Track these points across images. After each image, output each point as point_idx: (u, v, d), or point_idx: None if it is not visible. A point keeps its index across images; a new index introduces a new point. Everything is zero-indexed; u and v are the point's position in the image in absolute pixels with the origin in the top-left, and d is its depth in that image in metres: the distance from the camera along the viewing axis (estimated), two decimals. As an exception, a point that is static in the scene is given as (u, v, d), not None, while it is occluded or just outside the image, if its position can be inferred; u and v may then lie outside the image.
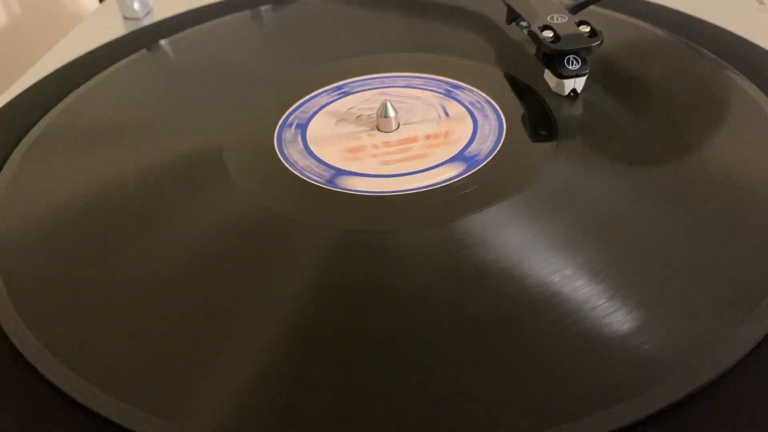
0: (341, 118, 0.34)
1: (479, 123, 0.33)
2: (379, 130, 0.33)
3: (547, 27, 0.33)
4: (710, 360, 0.21)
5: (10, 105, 0.39)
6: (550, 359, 0.22)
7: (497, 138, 0.32)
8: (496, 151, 0.31)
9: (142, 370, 0.22)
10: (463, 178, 0.29)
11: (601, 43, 0.33)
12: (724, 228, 0.26)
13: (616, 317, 0.23)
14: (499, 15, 0.40)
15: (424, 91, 0.36)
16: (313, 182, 0.30)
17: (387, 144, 0.32)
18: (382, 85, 0.37)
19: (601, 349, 0.22)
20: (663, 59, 0.37)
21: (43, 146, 0.34)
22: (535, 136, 0.32)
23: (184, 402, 0.21)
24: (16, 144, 0.34)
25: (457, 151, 0.31)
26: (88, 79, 0.40)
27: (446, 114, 0.34)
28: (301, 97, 0.36)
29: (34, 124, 0.36)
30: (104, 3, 0.53)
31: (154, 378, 0.22)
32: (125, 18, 0.50)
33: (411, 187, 0.29)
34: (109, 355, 0.23)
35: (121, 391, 0.22)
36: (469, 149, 0.31)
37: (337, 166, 0.31)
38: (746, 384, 0.21)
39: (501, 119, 0.33)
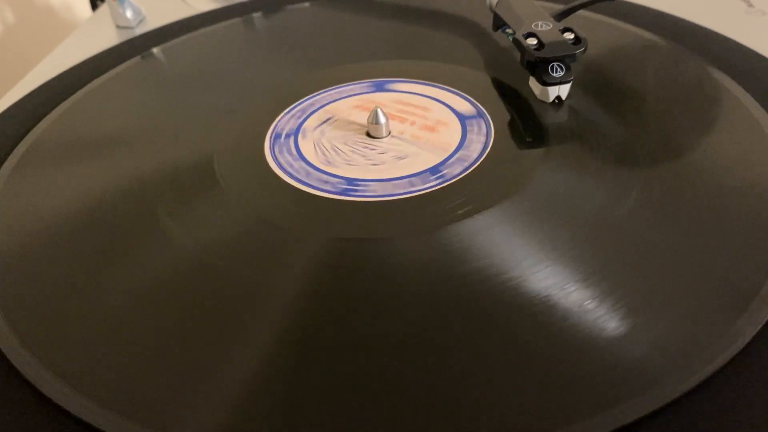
0: (334, 123, 0.35)
1: (468, 130, 0.33)
2: (369, 136, 0.33)
3: (531, 34, 0.34)
4: (703, 359, 0.21)
5: (2, 115, 0.39)
6: (545, 363, 0.22)
7: (484, 145, 0.32)
8: (483, 158, 0.31)
9: (136, 381, 0.23)
10: (450, 185, 0.30)
11: (584, 50, 0.33)
12: (714, 229, 0.26)
13: (609, 320, 0.23)
14: (490, 22, 0.40)
15: (416, 96, 0.36)
16: (303, 188, 0.30)
17: (375, 150, 0.32)
18: (375, 90, 0.37)
19: (594, 352, 0.22)
20: (651, 63, 0.37)
21: (34, 157, 0.35)
22: (524, 143, 0.32)
23: (181, 413, 0.21)
24: (7, 155, 0.35)
25: (443, 158, 0.31)
26: (81, 88, 0.40)
27: (436, 121, 0.34)
28: (293, 102, 0.37)
29: (27, 133, 0.36)
30: (97, 12, 0.54)
31: (149, 390, 0.22)
32: (118, 27, 0.50)
33: (398, 192, 0.29)
34: (104, 366, 0.23)
35: (115, 403, 0.22)
36: (455, 157, 0.31)
37: (326, 170, 0.31)
38: (739, 382, 0.21)
39: (489, 126, 0.33)
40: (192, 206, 0.30)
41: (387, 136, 0.33)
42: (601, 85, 0.36)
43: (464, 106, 0.35)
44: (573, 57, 0.33)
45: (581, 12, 0.38)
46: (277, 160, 0.32)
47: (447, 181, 0.30)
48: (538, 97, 0.35)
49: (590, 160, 0.30)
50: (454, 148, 0.32)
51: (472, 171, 0.30)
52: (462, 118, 0.34)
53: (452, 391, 0.21)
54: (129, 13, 0.50)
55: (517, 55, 0.35)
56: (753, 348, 0.22)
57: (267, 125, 0.35)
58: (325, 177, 0.31)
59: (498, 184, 0.29)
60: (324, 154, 0.33)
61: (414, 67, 0.39)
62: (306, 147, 0.33)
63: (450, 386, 0.21)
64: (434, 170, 0.31)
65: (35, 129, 0.37)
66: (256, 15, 0.48)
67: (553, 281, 0.24)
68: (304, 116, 0.36)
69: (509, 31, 0.37)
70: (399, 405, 0.21)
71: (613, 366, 0.21)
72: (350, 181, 0.31)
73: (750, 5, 0.44)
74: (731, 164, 0.30)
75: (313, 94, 0.37)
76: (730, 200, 0.28)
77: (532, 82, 0.35)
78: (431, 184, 0.30)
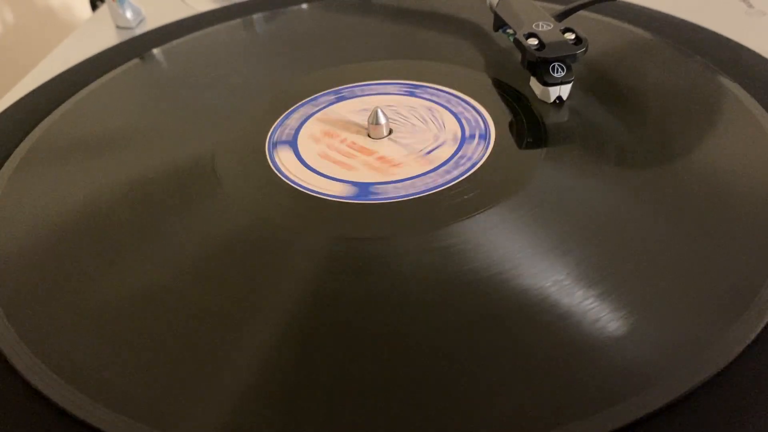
0: (334, 125, 0.35)
1: (468, 130, 0.33)
2: (369, 137, 0.33)
3: (532, 35, 0.34)
4: (703, 360, 0.21)
5: (2, 115, 0.39)
6: (545, 363, 0.22)
7: (485, 145, 0.32)
8: (483, 160, 0.31)
9: (137, 381, 0.23)
10: (451, 185, 0.30)
11: (585, 51, 0.33)
12: (714, 230, 0.26)
13: (609, 320, 0.23)
14: (490, 22, 0.40)
15: (417, 99, 0.36)
16: (303, 189, 0.30)
17: (375, 151, 0.32)
18: (378, 93, 0.37)
19: (594, 352, 0.22)
20: (652, 63, 0.37)
21: (34, 157, 0.35)
22: (524, 143, 0.32)
23: (181, 413, 0.21)
24: (8, 155, 0.35)
25: (444, 159, 0.31)
26: (81, 88, 0.40)
27: (439, 126, 0.34)
28: (294, 103, 0.37)
29: (27, 134, 0.36)
30: (97, 12, 0.54)
31: (149, 390, 0.22)
32: (118, 27, 0.50)
33: (399, 192, 0.29)
34: (104, 366, 0.23)
35: (115, 402, 0.22)
36: (455, 158, 0.31)
37: (323, 172, 0.31)
38: (739, 383, 0.21)
39: (489, 128, 0.33)
40: (192, 206, 0.30)
41: (387, 137, 0.33)
42: (602, 85, 0.36)
43: (465, 106, 0.35)
44: (574, 57, 0.33)
45: (582, 12, 0.38)
46: (277, 160, 0.32)
47: (448, 182, 0.30)
48: (538, 97, 0.35)
49: (590, 161, 0.30)
50: (454, 150, 0.32)
51: (472, 172, 0.30)
52: (462, 119, 0.34)
53: (452, 391, 0.21)
54: (129, 14, 0.50)
55: (518, 55, 0.35)
56: (753, 349, 0.22)
57: (267, 125, 0.35)
58: (326, 178, 0.31)
59: (498, 184, 0.29)
60: (324, 156, 0.33)
61: (414, 67, 0.39)
62: (306, 148, 0.33)
63: (450, 386, 0.21)
64: (435, 172, 0.31)
65: (36, 129, 0.37)
66: (256, 16, 0.48)
67: (553, 281, 0.24)
68: (305, 117, 0.35)
69: (510, 31, 0.37)
70: (399, 405, 0.21)
71: (613, 366, 0.21)
72: (351, 182, 0.31)
73: (750, 6, 0.44)
74: (731, 165, 0.30)
75: (314, 96, 0.37)
76: (730, 200, 0.28)
77: (533, 83, 0.35)
78: (432, 185, 0.30)
